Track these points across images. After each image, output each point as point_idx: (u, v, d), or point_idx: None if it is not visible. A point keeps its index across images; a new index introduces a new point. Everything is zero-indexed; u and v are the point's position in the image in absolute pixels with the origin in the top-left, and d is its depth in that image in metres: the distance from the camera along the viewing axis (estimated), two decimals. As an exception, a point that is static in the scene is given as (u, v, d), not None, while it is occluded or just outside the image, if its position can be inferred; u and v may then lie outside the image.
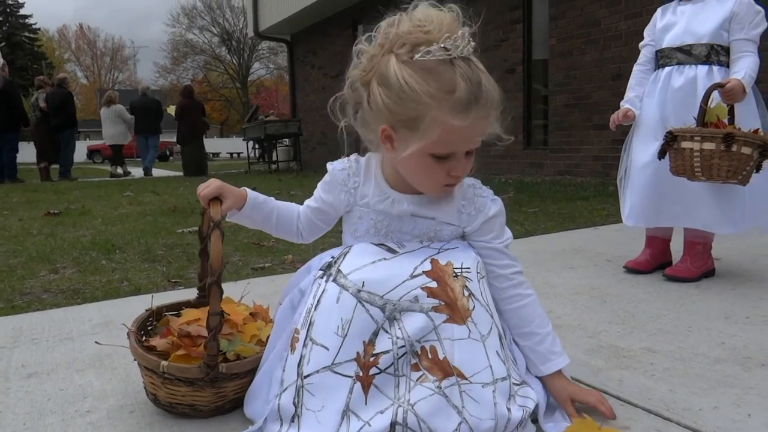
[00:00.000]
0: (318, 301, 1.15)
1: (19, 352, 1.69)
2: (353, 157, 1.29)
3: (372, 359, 1.08)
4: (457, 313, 1.11)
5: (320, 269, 1.21)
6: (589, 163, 7.16)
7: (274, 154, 13.10)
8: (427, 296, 1.11)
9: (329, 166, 1.31)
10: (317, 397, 1.07)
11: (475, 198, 1.24)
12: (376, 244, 1.21)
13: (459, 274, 1.15)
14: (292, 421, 1.09)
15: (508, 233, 1.28)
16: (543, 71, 7.84)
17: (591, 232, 3.63)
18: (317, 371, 1.09)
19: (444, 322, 1.10)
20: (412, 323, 1.09)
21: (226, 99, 46.90)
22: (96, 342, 1.64)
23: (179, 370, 1.18)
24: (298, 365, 1.11)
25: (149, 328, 1.42)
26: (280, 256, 3.15)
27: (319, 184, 1.32)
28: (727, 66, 2.27)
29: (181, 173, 12.03)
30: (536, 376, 1.24)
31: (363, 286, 1.12)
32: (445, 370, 1.07)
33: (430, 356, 1.08)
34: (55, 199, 6.68)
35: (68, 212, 5.36)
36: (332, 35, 12.65)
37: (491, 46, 8.09)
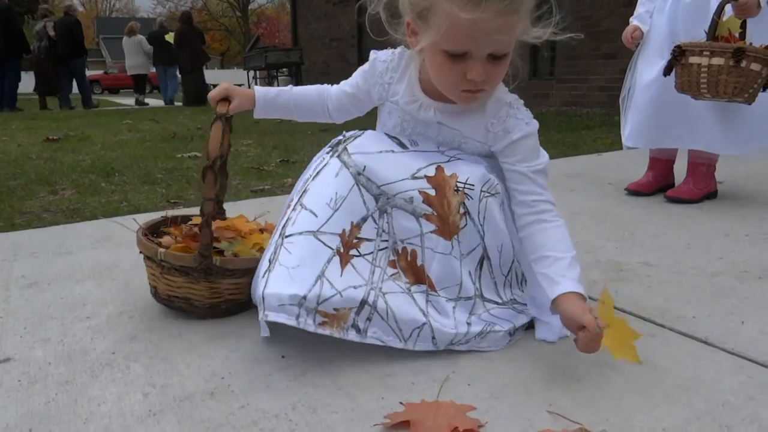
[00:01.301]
0: (318, 172, 1.14)
1: (18, 265, 1.70)
2: (399, 50, 1.23)
3: (355, 241, 1.09)
4: (446, 227, 1.11)
5: (329, 145, 1.19)
6: (596, 94, 7.03)
7: (275, 84, 12.92)
8: (423, 201, 1.10)
9: (373, 54, 1.27)
10: (294, 255, 1.05)
11: (508, 118, 1.16)
12: (390, 136, 1.19)
13: (461, 189, 1.12)
14: (263, 276, 1.06)
15: (541, 159, 1.16)
16: (551, -3, 7.57)
17: (594, 158, 3.60)
18: (300, 233, 1.07)
19: (431, 232, 1.11)
20: (401, 222, 1.11)
21: (226, 28, 45.79)
22: (94, 252, 1.65)
23: (175, 258, 1.21)
24: (283, 226, 1.11)
25: (162, 233, 1.43)
26: (280, 179, 3.13)
27: (358, 71, 1.29)
28: (743, -21, 2.17)
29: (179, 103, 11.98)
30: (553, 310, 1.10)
31: (363, 170, 1.10)
32: (418, 276, 1.11)
33: (409, 259, 1.11)
34: (55, 127, 6.61)
35: (67, 138, 5.32)
36: (334, -41, 12.19)
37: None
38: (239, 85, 1.42)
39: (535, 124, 1.18)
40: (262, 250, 1.33)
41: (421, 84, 1.19)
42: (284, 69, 12.78)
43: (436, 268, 1.12)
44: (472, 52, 1.02)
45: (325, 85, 1.36)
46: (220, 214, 1.50)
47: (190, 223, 1.39)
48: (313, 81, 13.99)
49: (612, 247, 1.75)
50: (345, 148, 1.14)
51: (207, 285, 1.23)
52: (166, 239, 1.32)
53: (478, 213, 1.14)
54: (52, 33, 10.31)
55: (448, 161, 1.15)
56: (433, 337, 1.08)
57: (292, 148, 4.44)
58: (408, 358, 1.08)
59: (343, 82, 1.33)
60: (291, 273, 1.03)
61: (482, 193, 1.15)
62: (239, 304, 1.27)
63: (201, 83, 11.67)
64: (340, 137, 1.19)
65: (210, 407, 0.94)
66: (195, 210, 1.50)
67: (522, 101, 1.19)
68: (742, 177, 2.72)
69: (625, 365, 1.04)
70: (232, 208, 1.62)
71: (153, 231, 1.40)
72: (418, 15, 1.05)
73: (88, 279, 1.57)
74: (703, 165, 2.32)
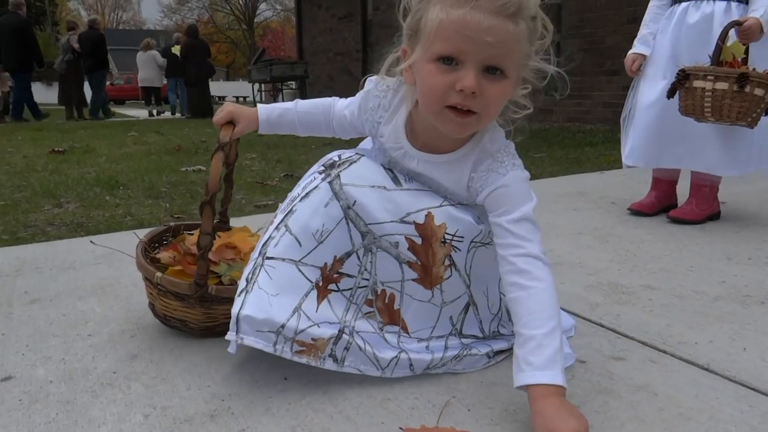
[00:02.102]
0: (307, 194, 1.09)
1: (22, 280, 1.71)
2: (395, 83, 1.15)
3: (336, 276, 1.09)
4: (428, 278, 1.11)
5: (322, 165, 1.13)
6: (599, 110, 7.05)
7: (280, 97, 12.99)
8: (408, 248, 1.09)
9: (368, 84, 1.20)
10: (274, 282, 1.04)
11: (488, 174, 1.08)
12: (386, 168, 1.14)
13: (448, 241, 1.10)
14: (239, 295, 1.04)
15: (522, 207, 1.05)
16: (556, 15, 7.62)
17: (597, 176, 3.60)
18: (283, 259, 1.06)
19: (413, 279, 1.11)
20: (384, 264, 1.10)
21: (232, 41, 46.12)
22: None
23: (171, 284, 1.20)
24: (264, 244, 1.08)
25: (165, 242, 1.44)
26: (284, 194, 3.13)
27: (357, 96, 1.23)
28: (746, 3, 2.19)
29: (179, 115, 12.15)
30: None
31: (353, 204, 1.08)
32: (393, 318, 1.13)
33: (386, 301, 1.12)
34: (60, 138, 6.66)
35: (73, 150, 5.35)
36: (340, -26, 12.29)
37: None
38: (244, 98, 1.41)
39: (516, 174, 1.08)
40: None
41: (408, 130, 1.14)
42: (291, 83, 12.88)
43: (412, 314, 1.13)
44: (464, 55, 0.94)
45: (332, 100, 1.31)
46: (224, 223, 1.51)
47: (193, 241, 1.37)
48: (318, 94, 14.15)
49: (614, 269, 1.75)
50: (338, 175, 1.09)
51: (202, 310, 1.23)
52: (164, 257, 1.32)
53: (465, 264, 1.13)
54: (76, 46, 10.49)
55: (440, 206, 1.11)
56: (411, 365, 1.10)
57: (296, 162, 4.46)
58: (408, 382, 1.09)
59: (347, 102, 1.28)
60: (270, 300, 1.02)
61: (472, 244, 1.12)
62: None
63: (206, 95, 11.76)
64: (335, 158, 1.14)
65: (210, 430, 0.94)
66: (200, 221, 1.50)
67: (512, 148, 1.12)
68: (744, 197, 2.71)
69: (626, 393, 1.04)
70: (235, 224, 1.62)
71: (156, 241, 1.42)
72: (412, 34, 1.02)
73: (91, 295, 1.57)
74: (705, 186, 2.33)
